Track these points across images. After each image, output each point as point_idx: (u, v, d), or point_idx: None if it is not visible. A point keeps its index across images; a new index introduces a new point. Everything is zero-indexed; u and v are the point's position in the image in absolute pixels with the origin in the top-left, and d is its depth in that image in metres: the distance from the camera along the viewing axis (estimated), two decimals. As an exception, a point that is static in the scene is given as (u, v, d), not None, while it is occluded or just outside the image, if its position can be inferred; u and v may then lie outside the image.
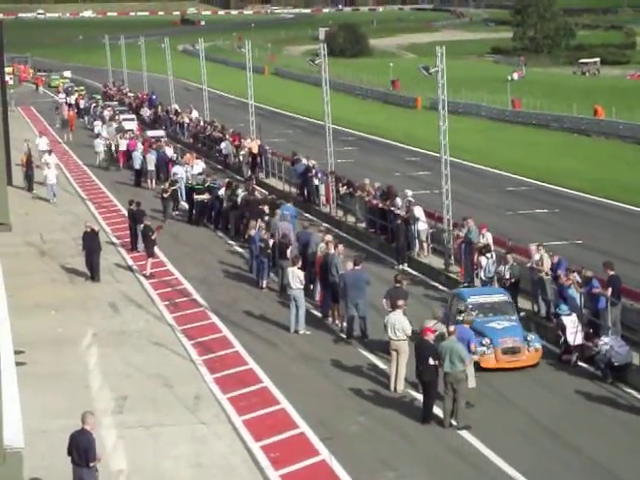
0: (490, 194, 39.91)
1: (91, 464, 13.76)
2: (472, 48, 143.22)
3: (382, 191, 31.68)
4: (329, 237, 24.84)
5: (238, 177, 42.06)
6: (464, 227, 25.85)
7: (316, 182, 36.49)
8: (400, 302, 19.55)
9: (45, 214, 37.62)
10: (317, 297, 24.37)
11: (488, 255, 23.77)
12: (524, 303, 22.92)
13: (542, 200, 38.27)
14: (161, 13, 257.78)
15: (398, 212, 29.11)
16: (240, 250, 30.75)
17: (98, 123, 57.20)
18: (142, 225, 29.36)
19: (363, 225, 32.62)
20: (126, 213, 32.99)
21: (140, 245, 29.96)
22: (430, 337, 17.65)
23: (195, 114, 58.18)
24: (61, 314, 24.62)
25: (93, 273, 27.63)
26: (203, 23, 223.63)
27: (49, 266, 29.58)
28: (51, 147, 46.76)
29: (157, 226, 29.71)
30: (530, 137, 58.65)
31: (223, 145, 47.27)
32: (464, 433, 16.84)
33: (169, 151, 44.00)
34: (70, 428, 14.26)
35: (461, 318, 19.66)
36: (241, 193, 32.92)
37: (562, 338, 19.86)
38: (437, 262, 27.68)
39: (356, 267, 22.30)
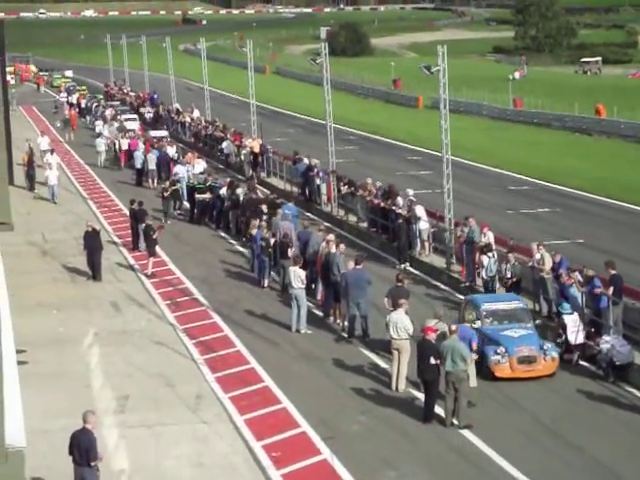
0: (492, 193, 39.90)
1: (92, 463, 13.77)
2: (473, 47, 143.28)
3: (383, 190, 31.67)
4: (331, 236, 24.83)
5: (239, 176, 42.07)
6: (466, 226, 25.84)
7: (318, 181, 36.50)
8: (402, 301, 19.55)
9: (47, 213, 37.63)
10: (319, 296, 24.37)
11: (490, 254, 23.76)
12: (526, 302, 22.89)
13: (544, 199, 38.26)
14: (162, 12, 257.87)
15: (399, 211, 29.10)
16: (241, 249, 30.75)
17: (99, 123, 57.21)
18: (144, 224, 29.37)
19: (364, 224, 32.62)
20: (127, 212, 32.99)
21: (142, 244, 29.96)
22: (432, 336, 17.65)
23: (196, 113, 58.19)
24: (63, 313, 24.62)
25: (95, 272, 27.64)
26: (204, 22, 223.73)
27: (51, 265, 29.60)
28: (52, 147, 46.76)
29: (158, 225, 29.68)
30: (532, 136, 58.62)
31: (224, 144, 47.28)
32: (465, 432, 16.83)
33: (171, 151, 44.00)
34: (71, 427, 14.27)
35: (476, 325, 19.52)
36: (241, 192, 32.94)
37: (563, 337, 19.86)
38: (439, 261, 27.67)
39: (357, 266, 22.29)
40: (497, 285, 23.38)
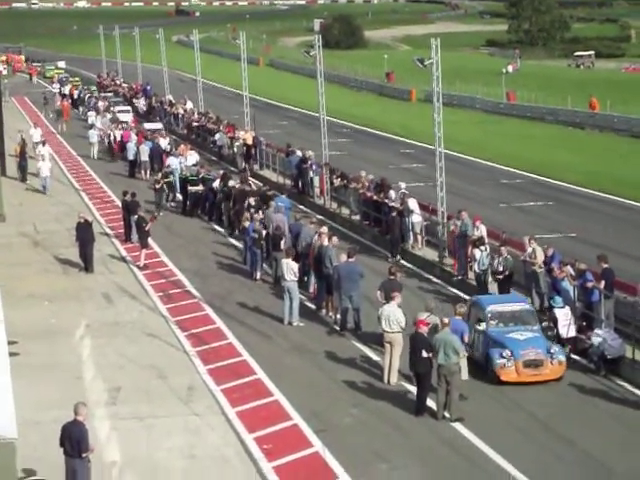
0: (485, 187, 39.92)
1: (84, 455, 13.76)
2: (467, 40, 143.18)
3: (376, 183, 31.67)
4: (324, 229, 24.83)
5: (232, 169, 42.01)
6: (458, 220, 25.85)
7: (311, 174, 36.47)
8: (394, 294, 19.55)
9: (39, 205, 37.56)
10: (311, 289, 24.37)
11: (482, 248, 23.76)
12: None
13: (536, 193, 38.29)
14: (155, 3, 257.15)
15: (392, 204, 29.09)
16: (234, 242, 30.72)
17: (92, 114, 57.07)
18: (136, 216, 29.32)
19: (357, 217, 32.61)
20: (120, 204, 32.93)
21: (134, 236, 29.92)
22: (424, 329, 17.66)
23: (189, 105, 58.08)
24: (54, 305, 24.59)
25: (87, 264, 27.60)
26: (198, 14, 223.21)
27: (42, 257, 29.54)
28: (44, 138, 46.62)
29: (151, 217, 29.64)
30: (525, 130, 58.65)
31: (217, 136, 47.22)
32: (457, 425, 16.86)
33: (163, 142, 43.92)
34: (63, 419, 14.26)
35: (481, 327, 19.21)
36: (234, 184, 32.88)
37: (554, 331, 19.86)
38: (431, 254, 27.69)
39: (350, 259, 22.30)
40: (489, 279, 23.38)
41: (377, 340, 20.18)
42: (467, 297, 23.85)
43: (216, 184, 33.83)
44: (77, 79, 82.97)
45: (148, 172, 41.97)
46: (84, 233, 27.75)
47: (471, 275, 24.62)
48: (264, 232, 26.68)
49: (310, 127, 48.09)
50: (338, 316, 22.36)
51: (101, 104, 60.74)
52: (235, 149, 44.47)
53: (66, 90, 72.62)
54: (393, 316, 18.92)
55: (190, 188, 35.18)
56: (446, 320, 17.73)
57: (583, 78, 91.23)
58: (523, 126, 60.56)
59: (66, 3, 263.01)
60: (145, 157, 42.41)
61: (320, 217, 32.81)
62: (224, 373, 19.41)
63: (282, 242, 25.57)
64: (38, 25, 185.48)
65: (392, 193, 29.93)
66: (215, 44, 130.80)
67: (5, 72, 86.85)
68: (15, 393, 14.49)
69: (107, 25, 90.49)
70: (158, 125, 51.65)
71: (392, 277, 21.41)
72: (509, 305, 19.82)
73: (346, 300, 21.84)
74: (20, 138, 43.56)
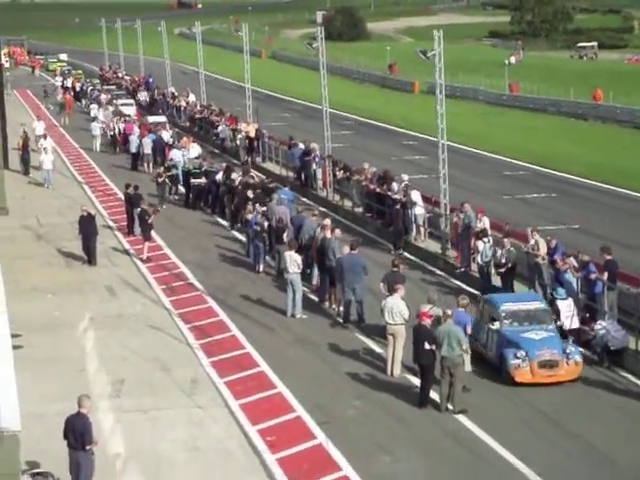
0: (488, 179, 39.88)
1: (87, 447, 13.76)
2: (470, 32, 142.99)
3: (379, 176, 31.64)
4: (327, 221, 24.81)
5: (235, 161, 41.99)
6: (461, 212, 25.82)
7: (314, 166, 36.43)
8: (397, 286, 19.53)
9: (41, 198, 37.56)
10: (314, 281, 24.36)
11: (485, 240, 23.74)
12: (521, 287, 22.93)
13: (539, 184, 38.26)
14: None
15: (395, 197, 29.06)
16: (237, 234, 30.71)
17: (94, 106, 57.07)
18: (139, 209, 29.31)
19: (360, 209, 32.59)
20: (123, 197, 32.92)
21: (137, 229, 29.92)
22: (427, 322, 17.65)
23: (192, 98, 58.05)
24: (58, 298, 24.60)
25: (90, 257, 27.61)
26: (200, 6, 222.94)
27: (45, 250, 29.55)
28: (47, 131, 46.60)
29: (154, 209, 29.64)
30: (528, 121, 58.59)
31: (220, 129, 47.19)
32: (461, 417, 16.86)
33: (166, 135, 43.89)
34: (66, 412, 14.26)
35: (494, 327, 18.79)
36: (236, 177, 32.87)
37: (557, 322, 19.79)
38: (434, 247, 27.67)
39: (353, 251, 22.29)
40: (492, 270, 23.36)
41: (380, 332, 20.17)
42: (470, 289, 23.89)
43: (219, 177, 33.81)
44: (80, 72, 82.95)
45: (151, 165, 41.95)
46: (87, 226, 27.75)
47: (474, 267, 24.60)
48: (266, 224, 26.67)
49: (313, 119, 48.07)
50: (341, 308, 22.35)
51: (103, 97, 60.72)
52: (238, 142, 44.44)
53: (68, 83, 72.61)
54: (396, 308, 18.91)
55: (193, 181, 35.16)
56: (449, 312, 17.72)
57: (586, 69, 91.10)
58: (526, 117, 60.50)
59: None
60: (148, 150, 42.39)
61: (323, 209, 32.79)
62: (227, 365, 19.42)
63: (285, 234, 25.55)
64: (40, 18, 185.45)
65: (395, 185, 29.90)
66: (217, 36, 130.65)
67: (7, 65, 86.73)
68: (19, 386, 14.54)
69: (109, 18, 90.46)
70: (162, 118, 51.62)
71: (395, 269, 21.40)
72: (523, 304, 19.28)
73: (349, 292, 21.83)
74: (22, 131, 43.54)
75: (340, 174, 34.39)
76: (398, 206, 28.52)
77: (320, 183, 36.22)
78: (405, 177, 30.26)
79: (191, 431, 16.54)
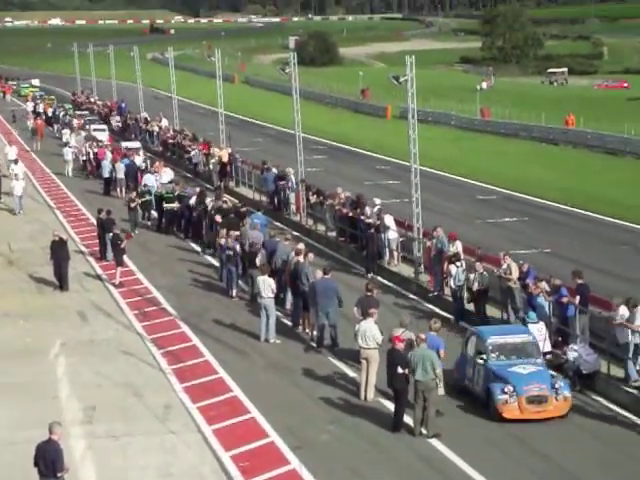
0: (460, 203, 40.07)
1: (58, 475, 13.64)
2: (441, 57, 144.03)
3: (352, 200, 31.72)
4: (301, 245, 24.82)
5: (208, 186, 41.96)
6: (433, 237, 25.88)
7: (288, 191, 36.45)
8: (372, 311, 19.54)
9: (13, 223, 37.35)
10: (288, 306, 24.33)
11: (458, 264, 23.82)
12: (493, 311, 23.01)
13: (511, 209, 38.49)
14: (130, 21, 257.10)
15: (369, 221, 29.11)
16: (210, 259, 30.65)
17: (67, 131, 56.91)
18: (111, 234, 29.20)
19: (333, 234, 32.64)
20: (95, 222, 32.80)
21: (109, 254, 29.79)
22: (400, 346, 17.66)
23: (165, 122, 58.04)
24: (29, 323, 24.43)
25: (62, 282, 27.45)
26: (172, 31, 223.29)
27: (17, 275, 29.36)
28: (18, 157, 46.37)
29: (126, 234, 29.51)
30: (499, 146, 58.99)
31: (193, 153, 47.19)
32: (434, 441, 16.86)
33: (138, 159, 43.82)
34: (38, 439, 14.12)
35: (481, 361, 18.30)
36: (209, 202, 32.84)
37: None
38: (407, 270, 27.73)
39: (326, 276, 22.30)
40: (465, 294, 23.43)
41: (354, 357, 20.16)
42: (443, 313, 23.95)
43: (192, 201, 33.76)
44: (52, 97, 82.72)
45: (124, 190, 41.83)
46: (59, 251, 27.60)
47: (447, 291, 24.67)
48: (239, 249, 26.63)
49: (286, 144, 48.11)
50: (315, 332, 22.33)
51: (76, 122, 60.56)
52: (211, 166, 44.44)
53: (40, 108, 72.38)
54: (369, 332, 18.91)
55: (165, 205, 35.10)
56: (422, 336, 17.74)
57: (556, 95, 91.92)
58: (497, 142, 60.91)
59: (41, 21, 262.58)
60: (121, 175, 42.29)
61: (296, 234, 32.81)
62: (200, 391, 19.33)
63: (257, 259, 25.50)
64: (12, 43, 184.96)
65: (368, 209, 29.97)
66: (190, 61, 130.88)
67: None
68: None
69: (81, 42, 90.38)
70: (136, 144, 51.54)
71: (369, 293, 21.42)
72: (511, 337, 18.66)
73: (323, 317, 21.81)
74: (-7, 156, 43.31)
75: (313, 198, 34.45)
76: (371, 230, 28.59)
77: (293, 207, 36.26)
78: (377, 201, 30.34)
79: (164, 457, 16.43)
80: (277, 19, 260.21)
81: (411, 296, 26.25)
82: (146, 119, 60.22)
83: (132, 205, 34.85)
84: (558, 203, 39.41)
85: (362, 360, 18.96)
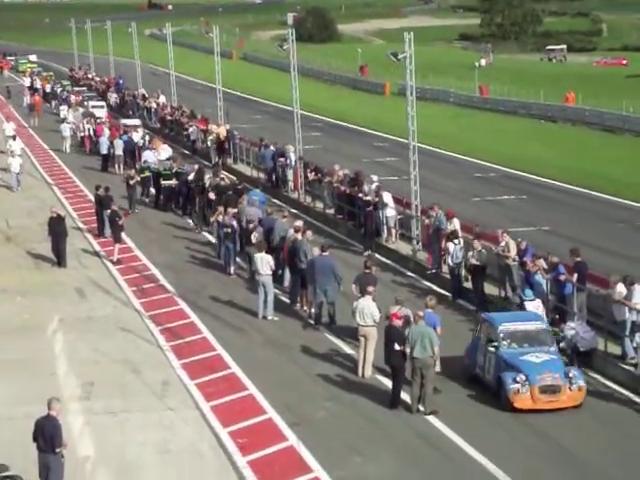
0: (458, 180, 40.03)
1: (57, 450, 13.69)
2: (440, 34, 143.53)
3: (350, 177, 31.68)
4: (299, 223, 24.80)
5: (206, 163, 41.90)
6: (431, 215, 25.87)
7: (287, 169, 36.34)
8: (370, 288, 19.57)
9: (11, 199, 37.31)
10: (286, 283, 24.33)
11: (455, 241, 23.82)
12: (491, 289, 23.04)
13: (509, 186, 38.47)
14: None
15: (367, 198, 29.09)
16: (208, 236, 30.64)
17: (64, 107, 56.74)
18: (109, 210, 29.17)
19: (331, 211, 32.62)
20: (93, 198, 32.75)
21: (107, 231, 29.78)
22: (397, 323, 17.69)
23: (163, 99, 57.87)
24: (27, 300, 24.45)
25: (59, 259, 27.44)
26: (170, 7, 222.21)
27: (15, 252, 29.35)
28: (15, 133, 46.26)
29: (125, 211, 29.47)
30: (498, 124, 58.89)
31: (191, 130, 47.08)
32: (431, 418, 16.91)
33: (136, 136, 43.71)
34: (36, 414, 14.17)
35: (492, 349, 17.75)
36: (207, 179, 32.78)
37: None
38: (405, 248, 27.74)
39: (324, 253, 22.29)
40: (463, 272, 23.45)
41: (351, 334, 20.21)
42: (441, 291, 23.98)
43: (191, 178, 33.69)
44: (50, 74, 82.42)
45: (122, 166, 41.74)
46: (57, 228, 27.58)
47: (445, 269, 24.69)
48: (236, 225, 26.59)
49: (284, 121, 47.97)
50: (312, 310, 22.36)
51: (73, 98, 60.37)
52: (209, 143, 44.34)
53: (37, 84, 72.12)
54: (367, 310, 18.94)
55: (163, 182, 35.04)
56: (421, 313, 17.75)
57: (555, 72, 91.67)
58: (496, 120, 60.79)
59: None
60: (119, 151, 42.19)
61: (294, 211, 32.79)
62: (198, 367, 19.37)
63: (252, 236, 25.38)
64: (10, 18, 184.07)
65: (366, 187, 29.93)
66: (188, 37, 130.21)
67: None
68: (-12, 389, 14.43)
69: (79, 18, 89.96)
70: (136, 121, 51.35)
71: (367, 271, 21.43)
72: (523, 324, 18.14)
73: (321, 294, 21.83)
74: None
75: (311, 176, 34.40)
76: (369, 208, 28.57)
77: (291, 185, 36.20)
78: (374, 178, 30.30)
79: (162, 433, 16.48)
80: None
81: (409, 274, 26.27)
82: (144, 95, 60.03)
83: (131, 182, 34.67)
84: (556, 181, 39.37)
85: (360, 337, 19.00)
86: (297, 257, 23.12)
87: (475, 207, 33.75)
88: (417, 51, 27.71)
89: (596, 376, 18.71)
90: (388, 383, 17.92)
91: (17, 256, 28.80)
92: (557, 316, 20.33)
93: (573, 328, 19.17)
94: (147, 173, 36.26)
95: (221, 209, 27.49)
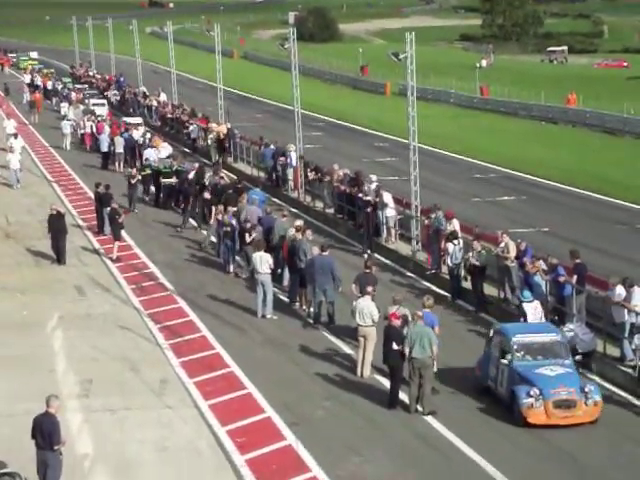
0: (458, 181, 40.03)
1: (55, 447, 13.68)
2: (441, 35, 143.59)
3: (350, 177, 31.68)
4: (299, 222, 24.81)
5: (206, 161, 41.90)
6: (432, 216, 25.86)
7: (288, 168, 36.33)
8: (369, 288, 19.57)
9: (10, 196, 37.30)
10: (285, 282, 24.34)
11: (455, 242, 23.83)
12: (491, 290, 23.05)
13: (509, 187, 38.47)
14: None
15: (368, 198, 29.08)
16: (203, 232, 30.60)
17: (65, 105, 56.74)
18: (109, 208, 29.17)
19: (331, 211, 32.62)
20: (93, 196, 32.74)
21: (107, 228, 29.78)
22: (396, 322, 17.69)
23: (163, 97, 57.88)
24: (27, 297, 24.45)
25: (59, 256, 27.45)
26: (172, 5, 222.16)
27: (14, 249, 29.36)
28: (17, 131, 46.25)
29: (124, 209, 29.46)
30: (498, 124, 58.89)
31: (191, 128, 47.08)
32: (429, 419, 16.91)
33: (136, 134, 43.69)
34: (35, 411, 14.16)
35: (505, 361, 17.17)
36: (207, 177, 32.78)
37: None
38: (405, 248, 27.74)
39: (323, 253, 22.30)
40: (462, 272, 23.45)
41: (351, 334, 20.21)
42: (440, 291, 23.98)
43: (191, 176, 33.66)
44: (52, 70, 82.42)
45: (122, 164, 41.74)
46: (56, 225, 27.59)
47: (444, 269, 24.69)
48: (235, 224, 26.58)
49: (285, 120, 47.96)
50: (311, 309, 22.36)
51: (74, 95, 60.36)
52: (209, 141, 44.34)
53: (38, 81, 72.11)
54: (367, 310, 18.93)
55: (163, 180, 35.04)
56: (420, 313, 17.74)
57: (556, 73, 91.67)
58: (497, 120, 60.79)
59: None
60: (120, 149, 42.21)
61: (294, 210, 32.78)
62: (197, 366, 19.38)
63: (247, 235, 25.28)
64: (10, 15, 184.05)
65: (366, 187, 29.92)
66: (189, 36, 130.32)
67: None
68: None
69: (80, 15, 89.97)
70: (138, 119, 51.34)
71: (367, 271, 21.42)
72: (538, 335, 17.48)
73: (320, 293, 21.84)
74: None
75: (312, 175, 34.41)
76: (369, 208, 28.56)
77: (291, 184, 36.21)
78: (374, 178, 30.29)
79: (160, 431, 16.48)
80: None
81: (408, 274, 26.28)
82: (145, 93, 60.03)
83: (132, 181, 34.56)
84: (557, 182, 39.37)
85: (360, 337, 19.00)
86: (297, 256, 23.12)
87: (475, 208, 33.76)
88: (418, 51, 27.72)
89: (595, 378, 18.67)
90: (387, 383, 17.91)
91: (17, 253, 28.80)
92: (556, 317, 20.36)
93: (572, 330, 19.17)
94: (148, 171, 36.27)
95: (221, 208, 27.50)
